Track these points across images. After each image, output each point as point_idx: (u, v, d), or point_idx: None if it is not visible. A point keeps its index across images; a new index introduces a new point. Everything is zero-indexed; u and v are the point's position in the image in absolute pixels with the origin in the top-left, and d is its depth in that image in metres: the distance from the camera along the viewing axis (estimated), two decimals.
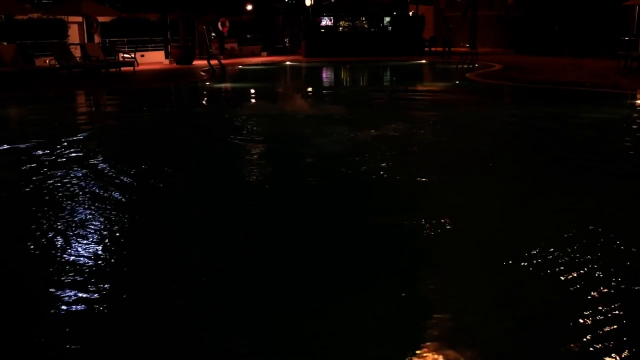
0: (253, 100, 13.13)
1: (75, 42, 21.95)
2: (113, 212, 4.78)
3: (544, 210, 4.83)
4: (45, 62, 18.47)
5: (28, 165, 6.53)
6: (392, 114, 10.85)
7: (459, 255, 3.95)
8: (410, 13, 30.95)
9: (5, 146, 7.71)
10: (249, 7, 31.24)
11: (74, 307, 3.21)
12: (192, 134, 9.03)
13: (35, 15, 21.20)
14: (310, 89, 15.10)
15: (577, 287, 3.38)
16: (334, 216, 4.83)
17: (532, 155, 7.18)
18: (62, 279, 3.55)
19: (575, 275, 3.50)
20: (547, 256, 3.77)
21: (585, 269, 3.58)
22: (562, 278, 3.47)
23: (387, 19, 29.60)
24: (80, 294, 3.33)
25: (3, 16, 20.72)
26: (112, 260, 3.83)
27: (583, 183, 5.67)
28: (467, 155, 7.04)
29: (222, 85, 17.33)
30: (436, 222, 4.47)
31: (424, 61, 25.34)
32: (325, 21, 29.84)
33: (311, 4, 29.12)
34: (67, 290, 3.39)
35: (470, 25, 30.07)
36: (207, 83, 17.08)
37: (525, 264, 3.69)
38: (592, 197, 5.19)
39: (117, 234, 4.32)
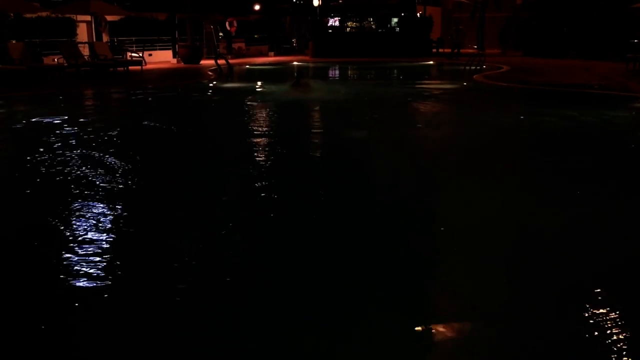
0: (263, 102, 13.12)
1: (84, 41, 22.06)
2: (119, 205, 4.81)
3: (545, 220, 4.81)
4: (53, 60, 18.57)
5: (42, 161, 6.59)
6: (398, 115, 10.87)
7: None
8: (418, 14, 30.91)
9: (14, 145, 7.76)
10: (257, 7, 31.29)
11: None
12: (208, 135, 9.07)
13: (44, 14, 21.31)
14: (318, 89, 15.09)
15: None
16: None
17: (528, 156, 7.17)
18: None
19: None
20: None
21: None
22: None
23: (395, 19, 29.57)
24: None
25: (12, 14, 20.83)
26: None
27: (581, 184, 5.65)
28: (468, 156, 7.04)
29: (229, 85, 17.35)
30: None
31: (431, 62, 25.30)
32: (333, 22, 29.83)
33: (319, 5, 29.13)
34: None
35: (478, 26, 29.96)
36: (215, 83, 17.09)
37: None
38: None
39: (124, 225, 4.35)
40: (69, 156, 6.83)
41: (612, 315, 3.00)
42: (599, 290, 3.34)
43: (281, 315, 3.12)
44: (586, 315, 3.03)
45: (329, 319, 3.08)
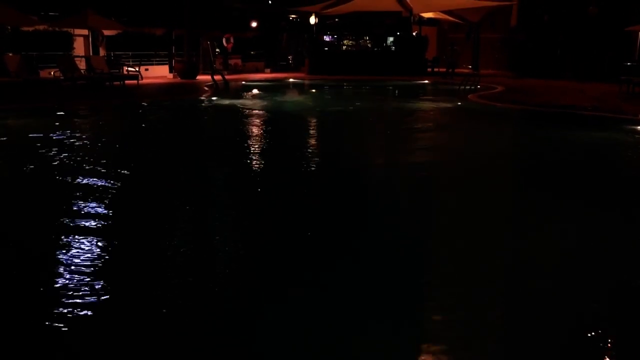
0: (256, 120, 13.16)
1: (81, 55, 22.11)
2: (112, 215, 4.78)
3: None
4: (50, 73, 18.58)
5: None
6: (390, 134, 10.92)
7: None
8: (414, 33, 31.14)
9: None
10: (254, 24, 31.48)
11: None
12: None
13: (41, 27, 21.38)
14: (313, 107, 15.16)
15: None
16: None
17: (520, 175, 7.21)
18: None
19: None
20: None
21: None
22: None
23: (391, 39, 29.81)
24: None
25: (9, 27, 20.89)
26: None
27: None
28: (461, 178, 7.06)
29: (225, 101, 17.39)
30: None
31: (426, 82, 25.44)
32: (329, 40, 30.04)
33: (315, 23, 29.36)
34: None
35: (473, 47, 30.23)
36: (211, 98, 17.11)
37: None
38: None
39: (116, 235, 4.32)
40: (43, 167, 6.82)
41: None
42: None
43: (279, 315, 3.12)
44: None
45: (328, 319, 3.08)
